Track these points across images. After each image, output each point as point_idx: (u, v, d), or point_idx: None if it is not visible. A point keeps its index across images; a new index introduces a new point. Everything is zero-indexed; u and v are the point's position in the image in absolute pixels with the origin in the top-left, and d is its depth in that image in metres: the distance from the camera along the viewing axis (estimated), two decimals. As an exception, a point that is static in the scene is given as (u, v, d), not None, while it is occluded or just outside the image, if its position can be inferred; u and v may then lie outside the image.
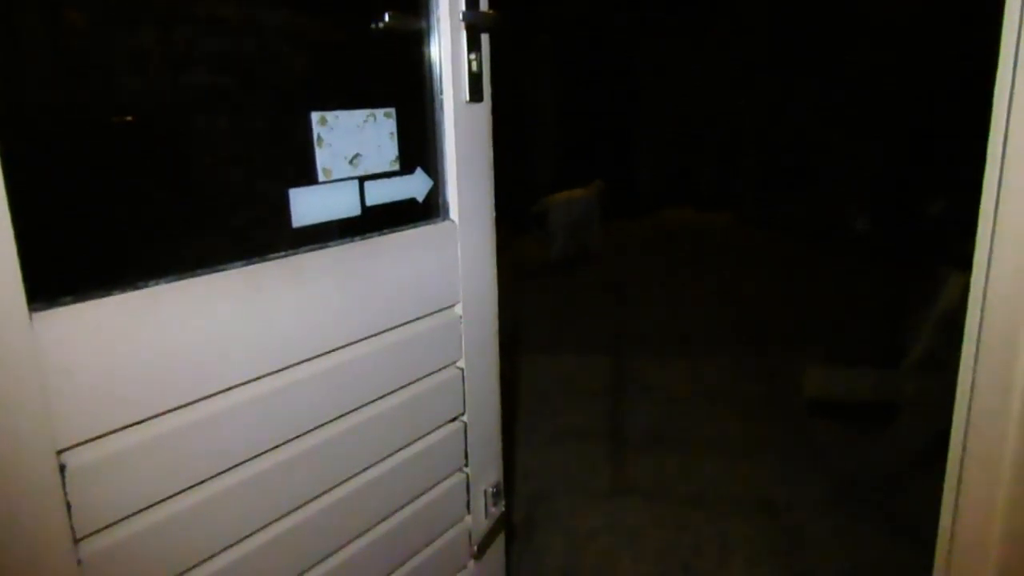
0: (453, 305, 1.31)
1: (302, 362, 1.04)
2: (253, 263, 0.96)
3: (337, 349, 1.09)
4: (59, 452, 0.76)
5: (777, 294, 4.76)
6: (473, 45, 1.22)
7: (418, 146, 1.22)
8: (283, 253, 1.00)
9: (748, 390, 3.22)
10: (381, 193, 1.16)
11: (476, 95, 1.25)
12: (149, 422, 0.85)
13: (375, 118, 1.13)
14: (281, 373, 1.01)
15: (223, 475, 0.95)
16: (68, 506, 0.77)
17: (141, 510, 0.84)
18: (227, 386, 0.93)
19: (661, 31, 7.48)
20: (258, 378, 0.97)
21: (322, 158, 1.05)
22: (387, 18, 1.12)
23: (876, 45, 6.14)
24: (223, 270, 0.92)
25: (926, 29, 5.80)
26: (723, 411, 3.01)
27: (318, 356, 1.06)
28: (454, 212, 1.27)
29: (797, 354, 3.53)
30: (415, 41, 1.19)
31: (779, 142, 7.19)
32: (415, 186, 1.22)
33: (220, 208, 0.93)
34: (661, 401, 3.13)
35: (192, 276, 0.88)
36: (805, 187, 6.95)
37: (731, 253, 6.10)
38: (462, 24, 1.19)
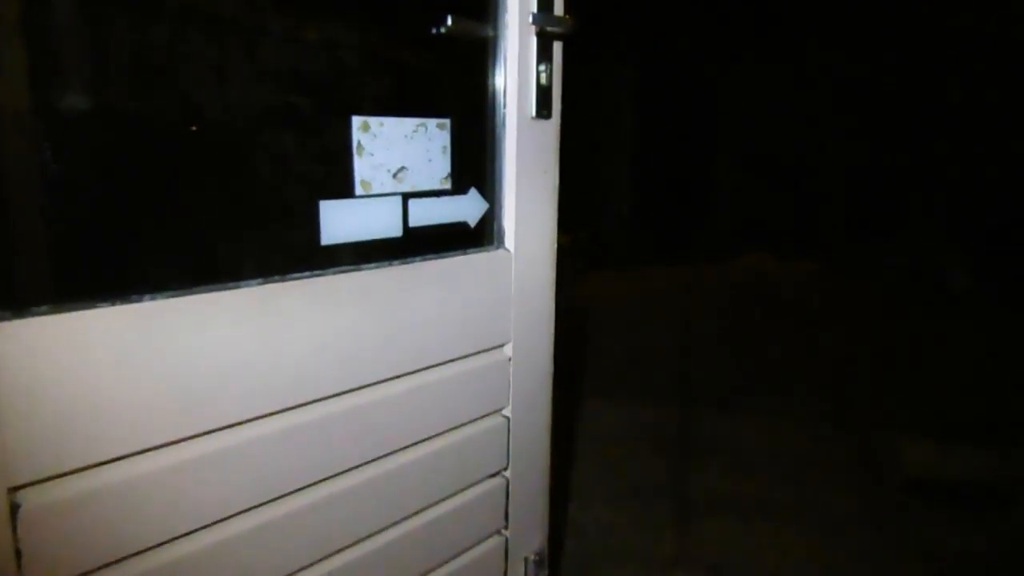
0: (502, 345, 1.15)
1: (320, 399, 0.90)
2: (270, 281, 0.83)
3: (363, 387, 0.95)
4: (11, 490, 0.64)
5: (865, 352, 4.39)
6: (544, 54, 1.09)
7: (474, 163, 1.08)
8: (308, 272, 0.88)
9: (831, 456, 2.91)
10: (428, 213, 1.02)
11: (544, 110, 1.11)
12: (127, 460, 0.72)
13: (426, 128, 1.00)
14: (294, 411, 0.87)
15: (214, 527, 0.81)
16: (18, 554, 0.65)
17: (107, 565, 0.71)
18: (226, 423, 0.80)
19: (746, 64, 7.25)
20: (265, 415, 0.84)
21: (361, 169, 0.92)
22: (449, 21, 1.00)
23: (976, 83, 5.73)
24: (232, 288, 0.79)
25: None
26: (802, 478, 2.72)
27: (340, 394, 0.92)
28: (510, 240, 1.12)
29: (888, 419, 3.19)
30: (478, 47, 1.06)
31: (870, 185, 6.77)
32: (467, 208, 1.08)
33: (234, 216, 0.82)
34: (732, 460, 2.86)
35: (192, 292, 0.76)
36: (898, 235, 6.50)
37: (814, 305, 5.72)
38: (532, 30, 1.06)
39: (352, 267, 0.93)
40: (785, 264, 7.21)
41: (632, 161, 7.47)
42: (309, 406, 0.89)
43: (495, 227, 1.12)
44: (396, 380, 1.00)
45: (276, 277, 0.84)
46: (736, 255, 7.52)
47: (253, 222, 0.83)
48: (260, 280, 0.83)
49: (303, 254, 0.88)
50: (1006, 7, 5.36)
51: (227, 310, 0.79)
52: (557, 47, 1.11)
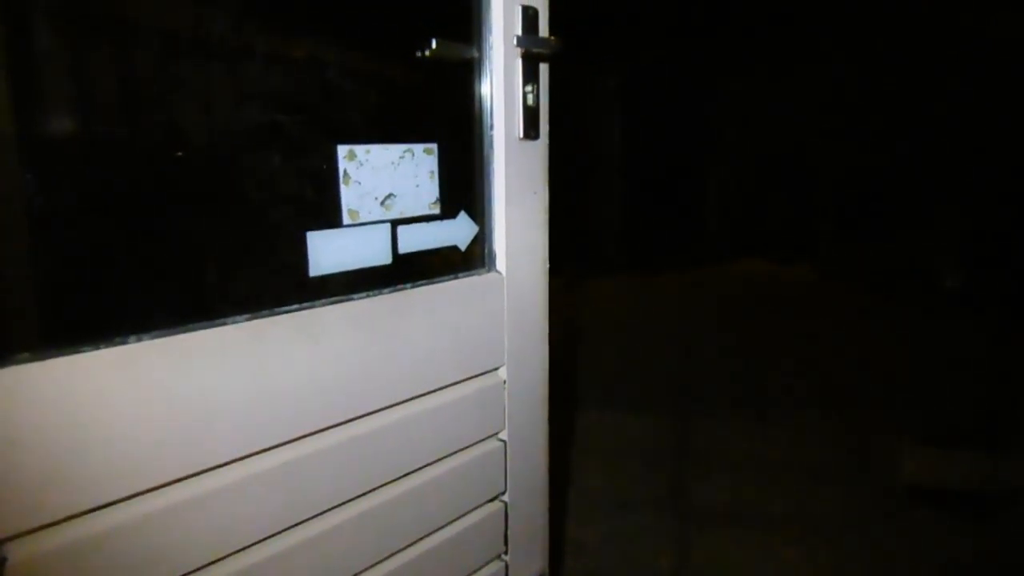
0: (496, 368, 1.14)
1: (312, 433, 0.89)
2: (259, 317, 0.82)
3: (356, 418, 0.94)
4: (-4, 544, 0.63)
5: (862, 356, 4.39)
6: (530, 75, 1.08)
7: (463, 187, 1.07)
8: (296, 306, 0.86)
9: (831, 462, 2.90)
10: (417, 239, 1.01)
11: (531, 131, 1.10)
12: (115, 507, 0.71)
13: (413, 154, 0.99)
14: (285, 447, 0.86)
15: (208, 568, 0.79)
16: (4, 610, 0.63)
17: (97, 615, 0.70)
18: (216, 463, 0.78)
19: (738, 69, 7.27)
20: (256, 453, 0.83)
21: (348, 198, 0.91)
22: (433, 44, 0.99)
23: (972, 84, 5.76)
24: (219, 324, 0.78)
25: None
26: (803, 485, 2.70)
27: (332, 427, 0.91)
28: (501, 263, 1.11)
29: (886, 425, 3.19)
30: (464, 69, 1.05)
31: (863, 188, 6.79)
32: (457, 232, 1.07)
33: (219, 251, 0.80)
34: (731, 469, 2.85)
35: (180, 331, 0.75)
36: (893, 238, 6.51)
37: (810, 309, 5.73)
38: (518, 52, 1.06)
39: (341, 297, 0.92)
40: (779, 269, 7.22)
41: (624, 167, 7.48)
42: (301, 441, 0.88)
43: (486, 250, 1.11)
44: (390, 409, 0.98)
45: (264, 312, 0.83)
46: (730, 261, 7.54)
47: (239, 257, 0.82)
48: (247, 316, 0.81)
49: (291, 287, 0.87)
50: (1002, 8, 5.40)
51: (214, 348, 0.77)
52: (543, 67, 1.11)
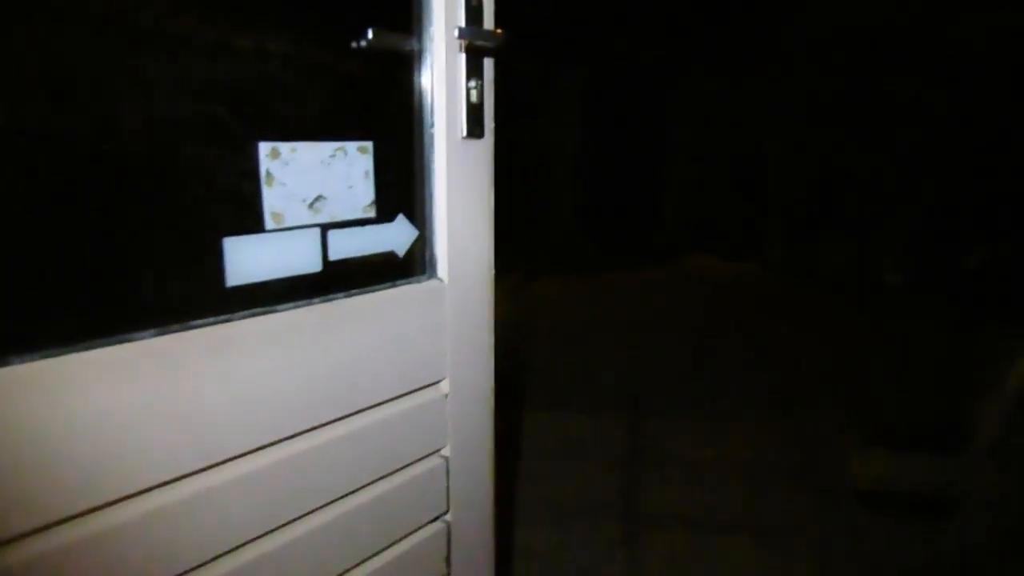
0: (438, 382, 1.07)
1: (230, 459, 0.80)
2: (166, 333, 0.74)
3: (280, 441, 0.86)
4: None
5: (808, 353, 4.46)
6: (474, 70, 1.02)
7: (401, 188, 1.00)
8: (211, 320, 0.78)
9: (779, 463, 2.92)
10: (350, 245, 0.94)
11: (476, 130, 1.04)
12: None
13: (346, 153, 0.91)
14: (200, 475, 0.78)
15: (105, 617, 0.71)
16: None
17: None
18: (117, 497, 0.70)
19: (691, 67, 7.33)
20: (167, 483, 0.74)
21: (271, 200, 0.83)
22: (370, 35, 0.91)
23: (916, 85, 5.92)
24: (117, 342, 0.69)
25: (973, 69, 5.59)
26: (752, 487, 2.71)
27: (254, 451, 0.83)
28: (443, 269, 1.04)
29: (835, 426, 3.23)
30: (403, 62, 0.98)
31: (810, 187, 6.93)
32: (395, 237, 1.00)
33: (120, 259, 0.71)
34: (681, 471, 2.84)
35: (71, 351, 0.66)
36: (837, 236, 6.66)
37: (757, 306, 5.81)
38: (460, 44, 0.99)
39: (264, 309, 0.84)
40: (731, 266, 7.32)
41: (577, 164, 7.47)
42: (218, 468, 0.80)
43: (426, 256, 1.04)
44: (319, 430, 0.91)
45: (172, 327, 0.74)
46: (682, 257, 7.61)
47: (143, 265, 0.73)
48: (153, 332, 0.73)
49: (204, 299, 0.78)
50: (963, 10, 5.54)
51: (114, 369, 0.69)
52: (488, 62, 1.04)
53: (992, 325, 4.27)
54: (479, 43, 0.99)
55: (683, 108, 7.68)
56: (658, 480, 2.79)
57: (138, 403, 0.71)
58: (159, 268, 0.74)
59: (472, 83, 1.02)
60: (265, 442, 0.84)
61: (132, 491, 0.71)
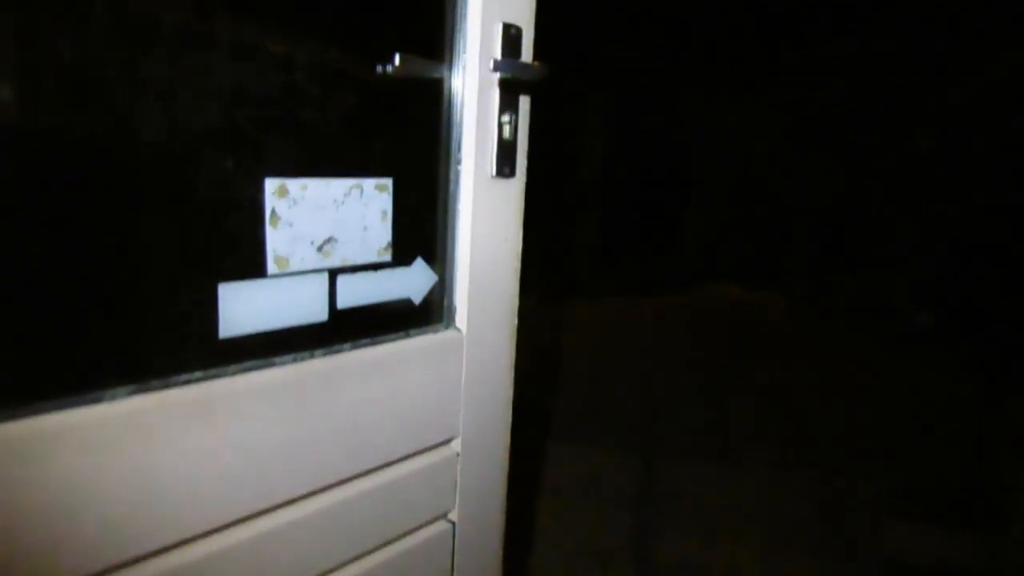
0: (449, 440, 0.98)
1: (216, 530, 0.71)
2: (147, 391, 0.65)
3: (274, 508, 0.77)
4: None
5: (830, 397, 4.31)
6: (508, 104, 0.93)
7: (421, 229, 0.91)
8: (200, 374, 0.69)
9: (799, 519, 2.78)
10: (362, 291, 0.85)
11: (506, 168, 0.95)
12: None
13: (362, 191, 0.83)
14: (180, 548, 0.69)
15: None
16: None
17: None
18: (90, 572, 0.61)
19: (718, 95, 7.22)
20: (143, 558, 0.65)
21: (276, 242, 0.75)
22: (397, 60, 0.83)
23: (948, 119, 5.78)
24: (90, 403, 0.61)
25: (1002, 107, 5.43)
26: (771, 544, 2.58)
27: (243, 520, 0.74)
28: (461, 319, 0.95)
29: (857, 476, 3.09)
30: (430, 92, 0.89)
31: (838, 219, 6.77)
32: (412, 282, 0.91)
33: (98, 307, 0.63)
34: (697, 519, 2.71)
35: (37, 413, 0.57)
36: (863, 268, 6.50)
37: (779, 340, 5.65)
38: (495, 78, 0.90)
39: (261, 362, 0.75)
40: (752, 295, 7.16)
41: (601, 189, 7.38)
42: (202, 540, 0.71)
43: (445, 303, 0.95)
44: (317, 495, 0.82)
45: (154, 384, 0.66)
46: (703, 285, 7.47)
47: (121, 314, 0.65)
48: (131, 389, 0.64)
49: (193, 352, 0.69)
50: (975, 51, 5.41)
51: (87, 432, 0.60)
52: (524, 97, 0.95)
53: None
54: (516, 77, 0.90)
55: (706, 134, 7.57)
56: (672, 526, 2.67)
57: (109, 474, 0.62)
58: (141, 317, 0.66)
59: (506, 118, 0.93)
60: (254, 511, 0.75)
61: (101, 568, 0.63)
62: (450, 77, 0.90)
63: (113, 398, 0.63)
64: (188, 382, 0.68)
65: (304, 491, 0.80)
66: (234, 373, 0.72)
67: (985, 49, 5.43)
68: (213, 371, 0.71)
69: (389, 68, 0.84)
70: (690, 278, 7.49)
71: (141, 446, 0.64)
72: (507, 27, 0.90)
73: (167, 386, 0.67)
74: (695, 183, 7.78)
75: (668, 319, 6.18)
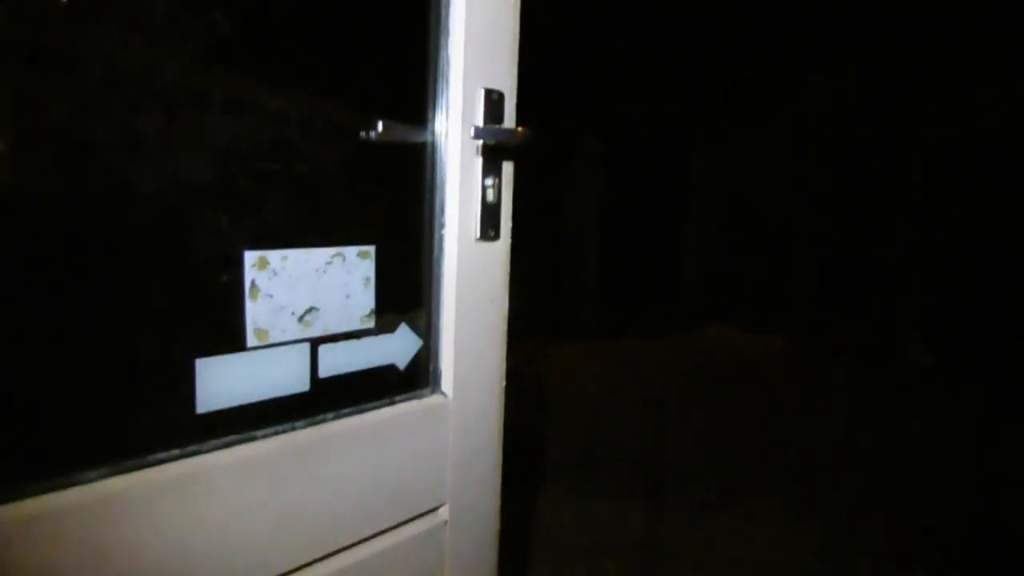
0: (436, 508, 0.95)
1: (185, 619, 0.69)
2: (116, 474, 0.63)
3: (248, 590, 0.74)
4: None
5: (835, 442, 4.25)
6: (491, 169, 0.93)
7: (405, 295, 0.91)
8: (176, 453, 0.68)
9: (812, 568, 2.71)
10: (344, 360, 0.84)
11: (490, 231, 0.95)
12: None
13: (344, 259, 0.82)
14: (145, 641, 0.66)
15: None
16: None
17: None
18: None
19: (716, 136, 7.31)
20: (99, 657, 0.63)
21: (256, 314, 0.74)
22: (379, 127, 0.84)
23: (948, 161, 5.84)
24: (64, 487, 0.59)
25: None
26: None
27: (215, 605, 0.71)
28: (447, 383, 0.94)
29: (866, 525, 3.02)
30: (412, 158, 0.90)
31: (837, 260, 6.78)
32: (395, 349, 0.90)
33: (65, 386, 0.62)
34: (702, 570, 2.64)
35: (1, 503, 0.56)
36: (864, 308, 6.48)
37: (780, 383, 5.61)
38: (478, 143, 0.91)
39: (239, 437, 0.73)
40: (752, 337, 7.14)
41: (598, 231, 7.42)
42: (170, 627, 0.68)
43: (430, 368, 0.94)
44: (300, 571, 0.79)
45: (124, 465, 0.64)
46: (702, 327, 7.45)
47: (98, 396, 0.64)
48: (100, 473, 0.63)
49: (167, 430, 0.68)
50: (981, 85, 5.50)
51: (60, 517, 0.58)
52: (507, 161, 0.96)
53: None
54: (498, 143, 0.91)
55: (705, 175, 7.64)
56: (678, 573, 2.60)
57: (81, 560, 0.60)
58: (115, 397, 0.65)
59: (489, 181, 0.93)
60: (230, 591, 0.73)
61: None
62: (433, 142, 0.90)
63: (87, 481, 0.61)
64: (164, 460, 0.67)
65: (286, 568, 0.78)
66: (212, 449, 0.71)
67: (979, 87, 5.52)
68: (190, 448, 0.69)
69: (372, 135, 0.85)
70: (689, 321, 7.47)
71: (116, 529, 0.63)
72: (489, 92, 0.91)
73: (142, 466, 0.66)
74: (692, 225, 7.83)
75: (667, 363, 6.14)
